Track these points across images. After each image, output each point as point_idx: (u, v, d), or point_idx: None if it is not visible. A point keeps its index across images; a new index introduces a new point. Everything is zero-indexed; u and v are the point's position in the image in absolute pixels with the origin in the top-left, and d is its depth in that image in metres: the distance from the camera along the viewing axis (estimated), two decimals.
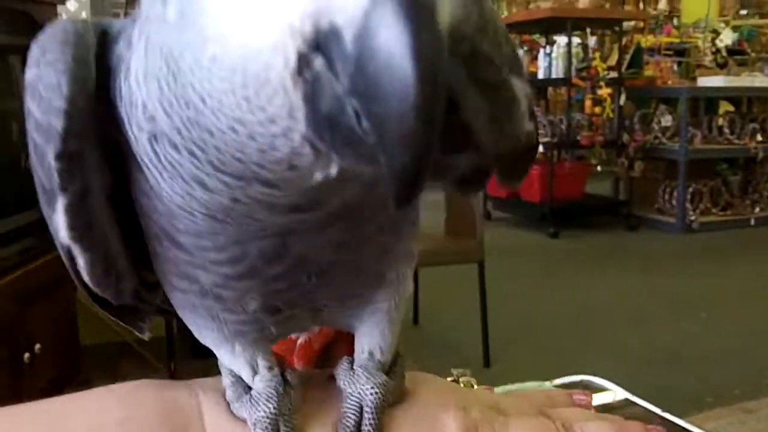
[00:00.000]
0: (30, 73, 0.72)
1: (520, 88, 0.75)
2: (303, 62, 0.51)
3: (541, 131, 7.00)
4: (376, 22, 0.48)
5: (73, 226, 0.77)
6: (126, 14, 6.88)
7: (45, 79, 0.72)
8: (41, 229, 2.53)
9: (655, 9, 11.23)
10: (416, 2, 0.48)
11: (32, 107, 0.73)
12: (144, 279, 0.86)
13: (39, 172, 0.76)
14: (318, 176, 0.58)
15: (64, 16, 3.94)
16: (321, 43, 0.51)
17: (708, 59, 8.78)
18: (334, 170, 0.57)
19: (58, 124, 0.72)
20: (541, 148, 7.11)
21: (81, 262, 0.80)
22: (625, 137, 7.21)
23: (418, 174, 0.50)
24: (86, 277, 0.80)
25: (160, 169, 0.70)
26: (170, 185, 0.70)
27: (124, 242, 0.81)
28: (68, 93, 0.71)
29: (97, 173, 0.77)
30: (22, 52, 2.29)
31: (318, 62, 0.51)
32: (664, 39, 8.74)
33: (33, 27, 2.83)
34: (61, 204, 0.76)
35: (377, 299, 0.84)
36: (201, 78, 0.58)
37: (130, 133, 0.71)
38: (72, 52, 0.72)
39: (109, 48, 0.74)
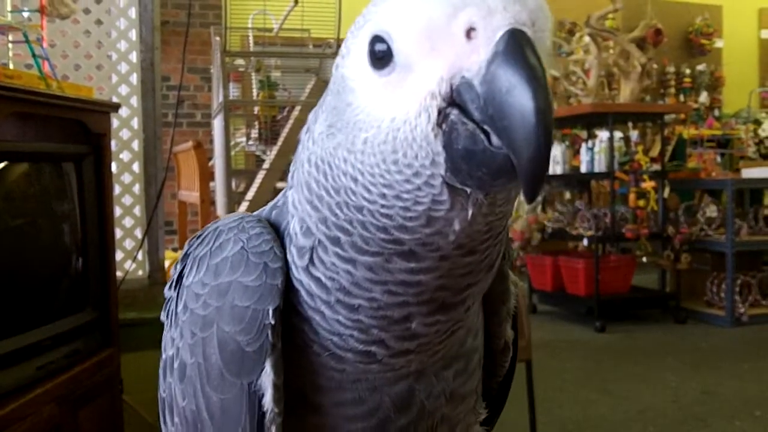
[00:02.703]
0: (225, 251, 0.88)
1: (513, 283, 1.02)
2: (441, 115, 0.72)
3: (585, 225, 7.03)
4: (494, 67, 0.69)
5: (278, 386, 0.85)
6: (176, 118, 7.11)
7: (255, 249, 0.87)
8: (88, 332, 2.61)
9: (696, 102, 11.30)
10: (519, 49, 0.68)
11: (237, 277, 0.86)
12: None
13: (240, 339, 0.85)
14: (456, 226, 0.75)
15: (117, 123, 4.10)
16: (455, 95, 0.71)
17: (751, 150, 8.79)
18: (469, 212, 0.74)
19: (277, 281, 0.85)
20: (585, 242, 7.10)
21: (273, 428, 0.87)
22: (671, 230, 7.18)
23: (543, 163, 0.67)
24: None
25: (321, 299, 0.84)
26: (331, 314, 0.84)
27: None
28: (281, 255, 0.87)
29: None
30: (75, 159, 2.43)
31: (453, 112, 0.72)
32: (706, 132, 8.76)
33: (86, 135, 2.95)
34: (270, 363, 0.86)
35: None
36: (353, 162, 0.78)
37: (296, 276, 0.86)
38: (267, 227, 0.90)
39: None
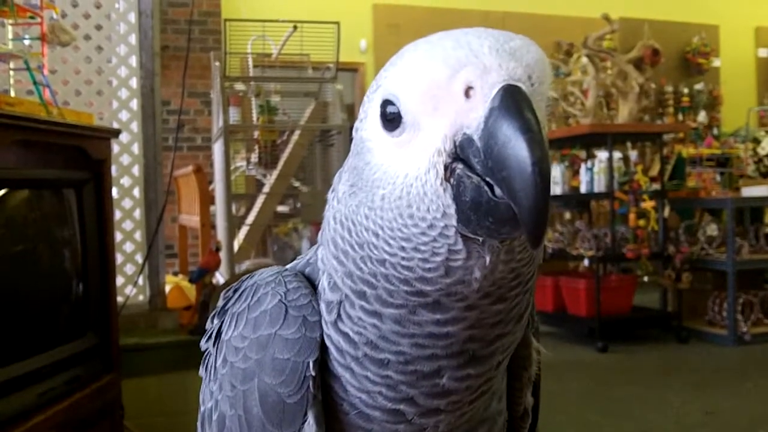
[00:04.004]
0: (263, 304, 0.92)
1: (536, 350, 1.03)
2: (448, 170, 0.77)
3: (585, 245, 7.02)
4: (491, 122, 0.73)
5: None
6: (177, 142, 7.14)
7: (294, 302, 0.91)
8: (89, 357, 2.62)
9: (695, 121, 11.32)
10: (514, 104, 0.72)
11: (277, 330, 0.90)
12: None
13: (281, 391, 0.88)
14: (476, 274, 0.78)
15: (117, 149, 4.12)
16: (458, 151, 0.77)
17: (751, 169, 8.79)
18: (486, 259, 0.77)
19: (316, 334, 0.89)
20: (586, 262, 7.09)
21: None
22: (671, 249, 7.18)
23: (543, 211, 0.70)
24: None
25: (350, 354, 0.86)
26: (360, 370, 0.86)
27: None
28: (317, 309, 0.90)
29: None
30: (76, 185, 2.45)
31: (459, 166, 0.77)
32: (705, 151, 8.78)
33: (87, 161, 2.97)
34: (312, 414, 0.88)
35: None
36: (374, 218, 0.82)
37: (326, 332, 0.89)
38: (304, 281, 0.94)
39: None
